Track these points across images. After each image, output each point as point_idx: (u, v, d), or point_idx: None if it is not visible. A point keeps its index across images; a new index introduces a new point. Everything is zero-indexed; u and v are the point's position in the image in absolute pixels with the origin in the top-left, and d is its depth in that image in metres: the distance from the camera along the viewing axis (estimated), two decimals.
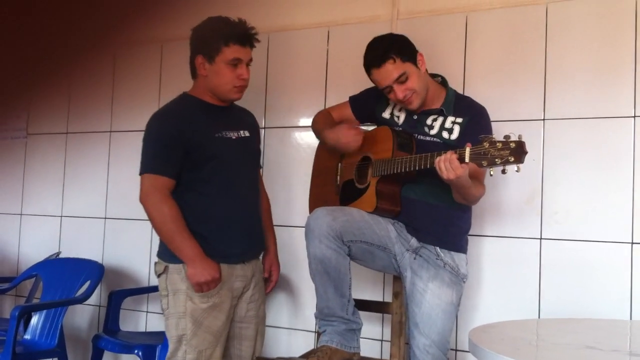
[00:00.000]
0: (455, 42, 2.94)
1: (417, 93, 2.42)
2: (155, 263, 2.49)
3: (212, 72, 2.47)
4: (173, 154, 2.40)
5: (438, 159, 2.15)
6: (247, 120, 2.67)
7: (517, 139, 2.02)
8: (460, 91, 2.82)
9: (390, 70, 2.40)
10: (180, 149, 2.40)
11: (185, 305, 2.39)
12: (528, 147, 2.71)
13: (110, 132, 3.92)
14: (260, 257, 2.69)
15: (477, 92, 2.71)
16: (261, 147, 2.83)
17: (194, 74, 2.55)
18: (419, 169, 2.27)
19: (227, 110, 2.57)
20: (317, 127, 2.69)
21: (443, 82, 2.55)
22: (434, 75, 2.56)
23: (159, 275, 2.47)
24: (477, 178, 2.33)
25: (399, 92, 2.40)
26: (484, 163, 2.04)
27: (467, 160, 2.08)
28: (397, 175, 2.38)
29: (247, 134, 2.59)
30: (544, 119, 2.77)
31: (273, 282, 2.69)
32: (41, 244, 4.04)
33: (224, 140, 2.49)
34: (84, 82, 4.05)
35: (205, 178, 2.44)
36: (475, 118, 2.43)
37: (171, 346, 2.41)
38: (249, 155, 2.62)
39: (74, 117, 4.07)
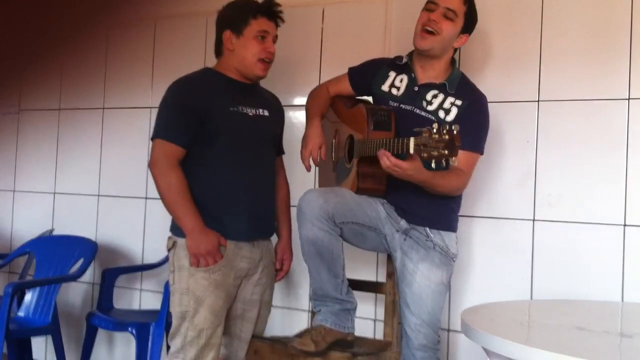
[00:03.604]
0: None
1: (437, 37, 2.39)
2: (168, 238, 2.50)
3: (239, 46, 2.49)
4: (186, 123, 2.41)
5: (382, 162, 2.14)
6: (270, 102, 2.65)
7: (451, 130, 1.95)
8: None
9: (456, 0, 2.41)
10: (194, 118, 2.41)
11: (188, 282, 2.39)
12: (522, 129, 2.76)
13: (103, 109, 3.89)
14: (274, 243, 2.67)
15: (472, 73, 2.70)
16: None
17: (219, 51, 2.56)
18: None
19: (249, 88, 2.57)
20: (308, 108, 2.68)
21: (452, 63, 2.52)
22: None
23: (168, 250, 2.49)
24: (456, 168, 2.29)
25: (435, 16, 2.39)
26: (424, 155, 1.99)
27: (411, 151, 2.04)
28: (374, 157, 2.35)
29: (266, 113, 2.57)
30: (538, 101, 2.76)
31: (284, 272, 2.67)
32: (34, 221, 4.04)
33: (239, 114, 2.48)
34: (77, 59, 4.02)
35: (217, 151, 2.44)
36: (474, 105, 2.41)
37: (174, 322, 2.42)
38: (265, 134, 2.58)
39: (67, 94, 4.05)
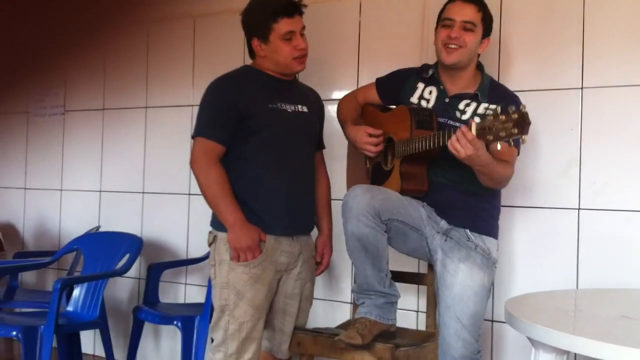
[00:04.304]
0: (491, 9, 2.88)
1: (463, 49, 2.37)
2: (209, 232, 2.54)
3: (269, 51, 2.49)
4: (226, 121, 2.44)
5: (450, 141, 2.11)
6: (309, 98, 2.66)
7: (519, 110, 1.95)
8: (495, 60, 2.78)
9: (470, 11, 2.38)
10: (234, 116, 2.44)
11: (228, 276, 2.42)
12: (566, 117, 2.72)
13: (146, 107, 3.96)
14: (314, 238, 2.68)
15: (513, 61, 2.67)
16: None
17: (253, 54, 2.57)
18: (441, 146, 2.22)
19: (288, 84, 2.58)
20: (340, 117, 2.70)
21: (480, 68, 2.50)
22: None
23: (209, 245, 2.52)
24: (503, 159, 2.27)
25: (455, 32, 2.36)
26: (490, 138, 1.98)
27: (473, 134, 2.03)
28: (419, 155, 2.35)
29: (305, 109, 2.58)
30: (582, 88, 2.71)
31: (324, 265, 2.68)
32: (81, 218, 4.13)
33: (278, 111, 2.50)
34: (119, 59, 4.09)
35: (257, 148, 2.47)
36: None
37: (215, 315, 2.46)
38: (304, 131, 2.59)
39: (110, 94, 4.13)
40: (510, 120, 1.94)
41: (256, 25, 2.49)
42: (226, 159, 2.47)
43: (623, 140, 2.64)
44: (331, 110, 3.25)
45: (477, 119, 2.05)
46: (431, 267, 2.61)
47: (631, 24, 2.64)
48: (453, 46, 2.37)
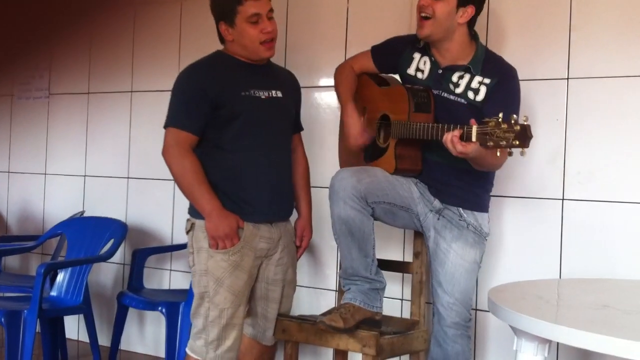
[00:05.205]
0: None
1: (432, 20, 2.33)
2: (187, 220, 2.53)
3: (236, 35, 2.45)
4: (198, 110, 2.41)
5: (445, 137, 2.12)
6: (284, 81, 2.63)
7: (522, 122, 1.94)
8: None
9: None
10: (206, 105, 2.41)
11: (207, 264, 2.41)
12: (552, 107, 2.72)
13: (132, 92, 3.93)
14: (293, 221, 2.67)
15: (500, 50, 2.66)
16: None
17: (222, 39, 2.54)
18: (434, 139, 2.22)
19: (261, 69, 2.55)
20: (340, 92, 2.67)
21: (474, 37, 2.46)
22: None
23: (187, 232, 2.51)
24: None
25: (423, 0, 2.33)
26: (490, 144, 1.98)
27: (473, 139, 2.03)
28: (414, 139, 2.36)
29: (279, 94, 2.55)
30: (568, 78, 2.72)
31: (302, 248, 2.67)
32: (65, 203, 4.11)
33: (251, 99, 2.47)
34: (105, 42, 4.06)
35: (233, 135, 2.45)
36: (503, 81, 2.36)
37: (194, 302, 2.46)
38: (280, 116, 2.56)
39: (95, 77, 4.09)
40: (512, 131, 1.94)
41: (222, 8, 2.45)
42: (203, 148, 2.45)
43: (608, 130, 2.65)
44: (317, 97, 3.25)
45: (475, 129, 2.02)
46: (417, 255, 2.63)
47: (619, 15, 2.65)
48: (424, 15, 2.34)
